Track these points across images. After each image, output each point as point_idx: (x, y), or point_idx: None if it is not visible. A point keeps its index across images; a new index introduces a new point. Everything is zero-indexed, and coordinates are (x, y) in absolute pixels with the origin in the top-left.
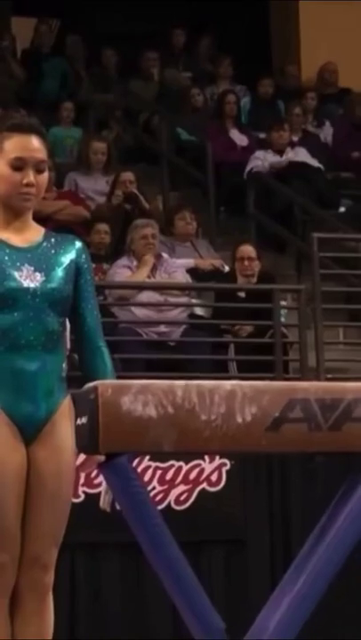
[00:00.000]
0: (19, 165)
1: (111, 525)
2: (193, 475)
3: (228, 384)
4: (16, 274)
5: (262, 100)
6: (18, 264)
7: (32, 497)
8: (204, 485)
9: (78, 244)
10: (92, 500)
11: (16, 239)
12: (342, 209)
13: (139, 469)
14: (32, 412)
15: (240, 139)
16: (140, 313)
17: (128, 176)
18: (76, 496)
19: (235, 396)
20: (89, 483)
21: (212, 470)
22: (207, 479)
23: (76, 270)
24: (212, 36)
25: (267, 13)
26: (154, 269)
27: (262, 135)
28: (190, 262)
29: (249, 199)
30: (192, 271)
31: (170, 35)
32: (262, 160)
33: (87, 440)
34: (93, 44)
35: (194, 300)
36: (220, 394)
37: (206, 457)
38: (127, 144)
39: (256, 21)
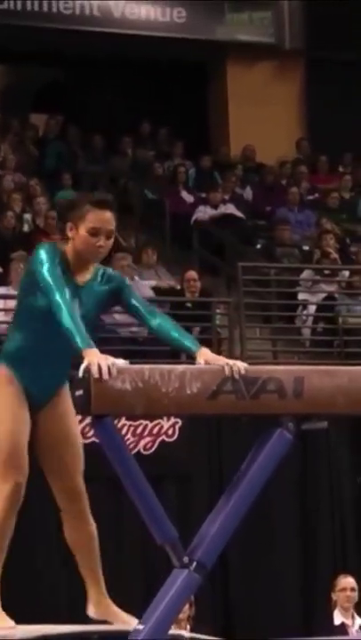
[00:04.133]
0: (94, 233)
1: (99, 464)
2: (155, 430)
3: (180, 367)
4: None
5: (203, 171)
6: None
7: (53, 444)
8: (163, 437)
9: (118, 277)
10: (87, 447)
11: (78, 278)
12: (258, 246)
13: (118, 426)
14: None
15: (188, 197)
16: (119, 317)
17: None
18: None
19: (185, 375)
20: (83, 435)
21: (169, 426)
22: (165, 433)
23: (114, 294)
24: (169, 126)
25: (207, 111)
26: None
27: (203, 195)
28: (153, 282)
29: (194, 239)
30: (154, 288)
31: (140, 125)
32: (203, 212)
33: (83, 406)
34: (87, 132)
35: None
36: (175, 373)
37: (165, 417)
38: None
39: (199, 116)
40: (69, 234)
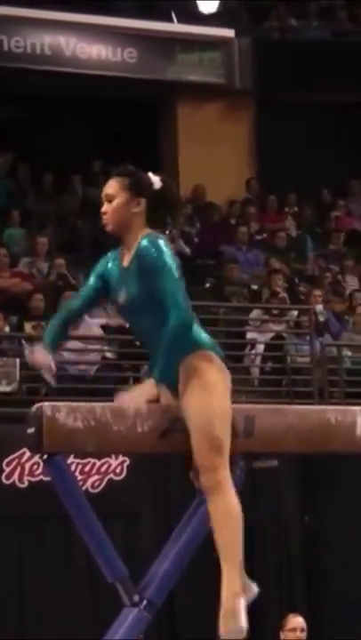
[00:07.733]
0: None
1: (50, 501)
2: (103, 468)
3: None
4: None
5: None
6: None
7: None
8: (111, 475)
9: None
10: (35, 485)
11: (125, 259)
12: (207, 285)
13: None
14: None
15: None
16: (67, 355)
17: (60, 262)
18: (22, 483)
19: (137, 414)
20: (31, 473)
21: (117, 465)
22: (113, 471)
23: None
24: (119, 164)
25: (157, 150)
26: (77, 326)
27: None
28: (102, 321)
29: None
30: (103, 327)
31: (90, 163)
32: None
33: (34, 443)
34: (36, 170)
35: (105, 347)
36: (127, 412)
37: (113, 455)
38: (60, 239)
39: (150, 155)
40: None
